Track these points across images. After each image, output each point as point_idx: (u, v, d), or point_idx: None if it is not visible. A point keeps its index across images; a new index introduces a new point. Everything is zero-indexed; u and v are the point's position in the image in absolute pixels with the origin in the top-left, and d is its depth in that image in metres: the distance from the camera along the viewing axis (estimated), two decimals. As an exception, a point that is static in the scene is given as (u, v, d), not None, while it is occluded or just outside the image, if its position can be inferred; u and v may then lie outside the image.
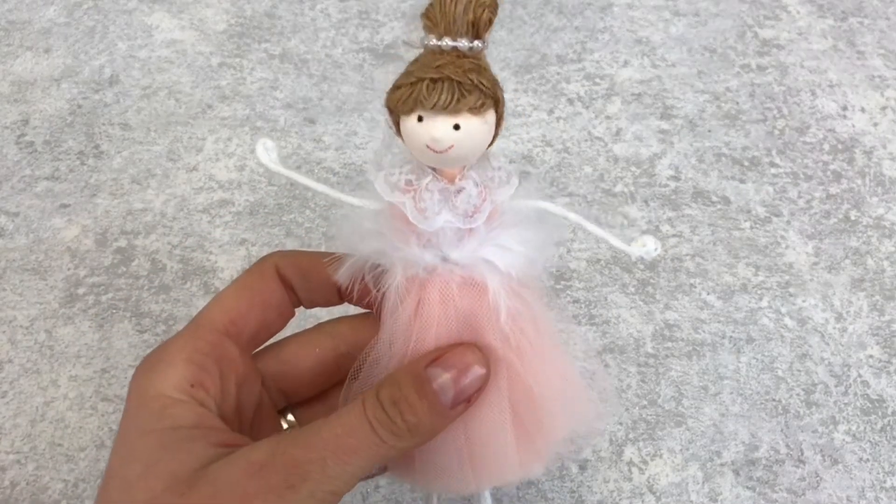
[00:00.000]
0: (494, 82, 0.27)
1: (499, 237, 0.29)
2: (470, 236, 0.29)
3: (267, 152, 0.32)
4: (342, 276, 0.31)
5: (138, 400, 0.30)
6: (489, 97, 0.27)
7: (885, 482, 0.46)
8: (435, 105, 0.26)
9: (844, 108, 0.65)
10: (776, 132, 0.63)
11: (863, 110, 0.65)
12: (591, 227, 0.30)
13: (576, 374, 0.33)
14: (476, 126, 0.27)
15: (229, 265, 0.55)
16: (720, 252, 0.56)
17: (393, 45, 0.70)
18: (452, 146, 0.27)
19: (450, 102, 0.26)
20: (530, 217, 0.30)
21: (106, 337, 0.51)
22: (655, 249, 0.30)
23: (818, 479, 0.46)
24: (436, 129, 0.27)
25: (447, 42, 0.27)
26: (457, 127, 0.27)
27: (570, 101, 0.65)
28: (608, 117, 0.64)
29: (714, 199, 0.59)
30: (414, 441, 0.29)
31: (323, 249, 0.55)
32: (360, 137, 0.62)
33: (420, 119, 0.27)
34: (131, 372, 0.49)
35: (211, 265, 0.55)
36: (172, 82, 0.66)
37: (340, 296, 0.34)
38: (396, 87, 0.28)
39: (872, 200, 0.59)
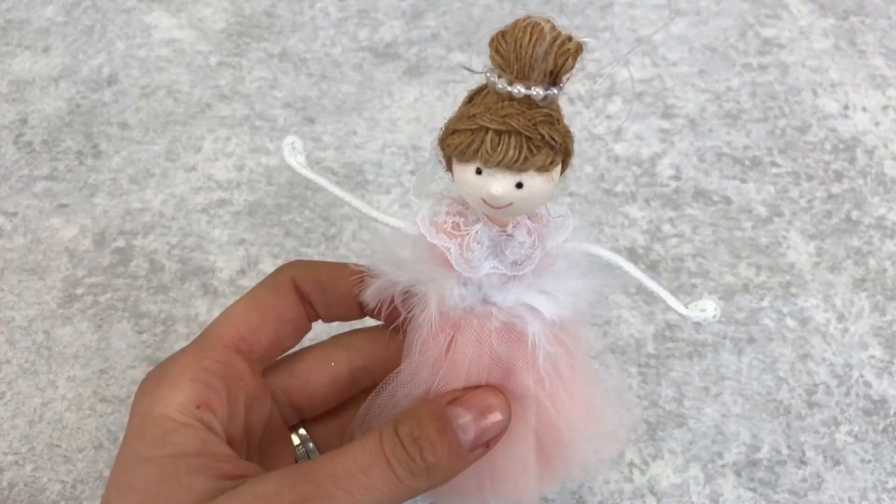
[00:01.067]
0: (566, 134, 0.24)
1: (546, 284, 0.27)
2: (515, 281, 0.27)
3: (294, 153, 0.28)
4: (369, 296, 0.29)
5: (140, 420, 0.29)
6: (559, 153, 0.24)
7: (887, 483, 0.45)
8: (500, 163, 0.23)
9: (846, 108, 0.65)
10: (777, 131, 0.63)
11: (864, 110, 0.65)
12: (649, 282, 0.28)
13: (603, 406, 0.32)
14: (540, 185, 0.24)
15: (228, 265, 0.54)
16: (721, 252, 0.55)
17: (393, 44, 0.69)
18: (512, 204, 0.24)
19: (515, 161, 0.23)
20: (581, 264, 0.28)
21: (104, 337, 0.51)
22: (714, 316, 0.28)
23: (820, 479, 0.46)
24: (496, 186, 0.24)
25: (519, 89, 0.23)
26: (519, 185, 0.24)
27: (571, 101, 0.65)
28: (609, 116, 0.64)
29: (715, 198, 0.59)
30: (430, 483, 0.28)
31: (323, 249, 0.55)
32: (359, 137, 0.62)
33: (479, 172, 0.24)
34: (130, 372, 0.49)
35: (210, 265, 0.54)
36: (171, 81, 0.66)
37: (363, 311, 0.32)
38: (454, 130, 0.24)
39: (874, 200, 0.59)
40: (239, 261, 0.55)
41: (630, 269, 0.28)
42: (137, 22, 0.71)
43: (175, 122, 0.63)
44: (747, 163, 0.61)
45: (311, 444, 0.35)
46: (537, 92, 0.23)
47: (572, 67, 0.23)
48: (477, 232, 0.25)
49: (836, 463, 0.46)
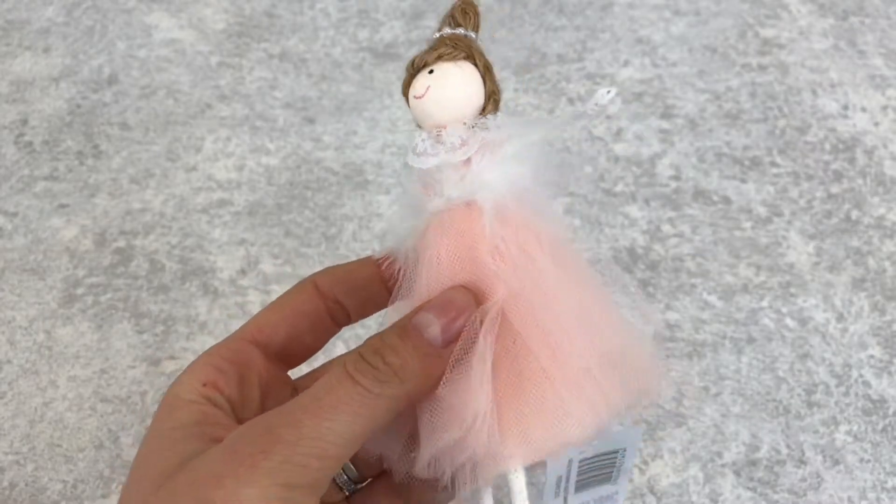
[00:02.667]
0: (470, 46, 0.30)
1: (489, 168, 0.29)
2: (468, 174, 0.29)
3: (609, 98, 0.31)
4: (387, 261, 0.31)
5: (160, 404, 0.31)
6: (460, 50, 0.29)
7: (886, 483, 0.45)
8: (417, 65, 0.29)
9: (845, 108, 0.65)
10: (777, 132, 0.63)
11: (864, 110, 0.65)
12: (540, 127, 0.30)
13: (601, 294, 0.29)
14: (449, 69, 0.29)
15: (228, 265, 0.54)
16: (721, 252, 0.55)
17: (393, 44, 0.69)
18: (429, 87, 0.29)
19: (426, 57, 0.29)
20: (523, 152, 0.29)
21: (105, 337, 0.51)
22: (609, 93, 0.30)
23: (819, 479, 0.46)
24: (417, 82, 0.29)
25: (445, 30, 0.30)
26: (431, 71, 0.29)
27: (571, 101, 0.65)
28: (608, 117, 0.64)
29: (715, 198, 0.59)
30: (403, 386, 0.26)
31: (323, 249, 0.55)
32: (359, 137, 0.62)
33: (416, 98, 0.30)
34: (130, 372, 0.49)
35: (210, 265, 0.54)
36: (171, 82, 0.66)
37: (389, 291, 0.32)
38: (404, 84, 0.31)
39: (874, 200, 0.59)
40: (239, 261, 0.55)
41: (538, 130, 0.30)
42: (138, 22, 0.71)
43: (175, 122, 0.63)
44: (747, 163, 0.61)
45: None
46: (446, 31, 0.30)
47: (462, 15, 0.30)
48: (423, 134, 0.30)
49: (836, 462, 0.46)
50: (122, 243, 0.56)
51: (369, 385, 0.26)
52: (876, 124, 0.64)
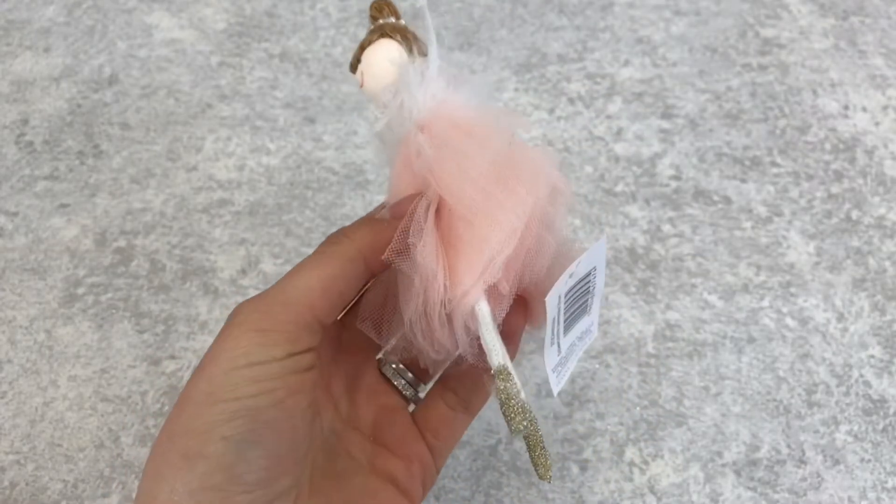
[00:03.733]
0: (382, 26, 0.35)
1: (412, 96, 0.35)
2: (402, 110, 0.35)
3: None
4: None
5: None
6: (375, 34, 0.35)
7: (886, 482, 0.45)
8: (353, 66, 0.36)
9: (846, 108, 0.65)
10: (777, 131, 0.63)
11: (864, 110, 0.65)
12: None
13: (512, 149, 0.34)
14: (368, 53, 0.35)
15: (229, 265, 0.54)
16: (721, 252, 0.55)
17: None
18: (362, 72, 0.35)
19: (355, 52, 0.36)
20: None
21: (105, 337, 0.51)
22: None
23: (819, 479, 0.46)
24: (357, 77, 0.36)
25: (370, 26, 0.36)
26: (359, 61, 0.36)
27: (571, 101, 0.65)
28: (609, 116, 0.64)
29: (715, 198, 0.59)
30: (353, 244, 0.33)
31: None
32: (360, 137, 0.62)
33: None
34: (131, 372, 0.49)
35: (210, 265, 0.54)
36: (172, 82, 0.66)
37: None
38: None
39: (874, 200, 0.59)
40: (240, 260, 0.55)
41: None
42: (138, 22, 0.71)
43: (176, 122, 0.63)
44: (747, 163, 0.61)
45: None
46: (389, 19, 0.36)
47: (377, 11, 0.36)
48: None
49: (836, 462, 0.46)
50: (122, 243, 0.56)
51: (324, 248, 0.33)
52: (876, 124, 0.64)
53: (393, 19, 0.36)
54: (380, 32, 0.35)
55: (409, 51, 0.35)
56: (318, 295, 0.32)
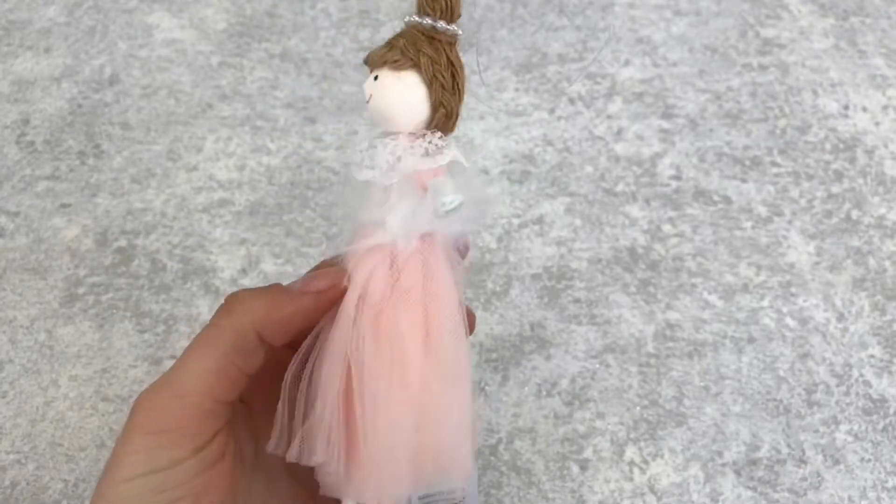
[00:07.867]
0: (420, 52, 0.28)
1: (400, 211, 0.29)
2: (385, 204, 0.29)
3: (452, 206, 0.29)
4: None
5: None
6: (408, 58, 0.28)
7: (886, 482, 0.45)
8: (370, 60, 0.29)
9: (846, 108, 0.65)
10: (778, 131, 0.63)
11: (864, 109, 0.65)
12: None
13: (450, 386, 0.30)
14: (390, 80, 0.28)
15: (229, 265, 0.54)
16: (722, 252, 0.55)
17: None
18: (371, 95, 0.29)
19: (376, 57, 0.29)
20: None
21: (106, 337, 0.51)
22: (453, 202, 0.29)
23: (820, 479, 0.46)
24: (366, 85, 0.29)
25: (412, 18, 0.29)
26: (376, 77, 0.29)
27: (571, 101, 0.65)
28: (609, 116, 0.64)
29: (715, 198, 0.59)
30: (248, 315, 0.29)
31: (323, 248, 0.55)
32: (360, 137, 0.62)
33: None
34: (131, 372, 0.49)
35: (211, 265, 0.54)
36: (172, 82, 0.66)
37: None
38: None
39: (874, 200, 0.59)
40: (240, 260, 0.55)
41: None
42: (139, 22, 0.71)
43: (176, 122, 0.63)
44: (747, 163, 0.61)
45: None
46: (426, 21, 0.29)
47: (453, 8, 0.29)
48: (364, 141, 0.30)
49: (836, 462, 0.46)
50: (123, 243, 0.56)
51: (217, 319, 0.29)
52: (876, 124, 0.64)
53: (444, 24, 0.29)
54: (414, 59, 0.28)
55: (434, 104, 0.29)
56: (214, 378, 0.29)
